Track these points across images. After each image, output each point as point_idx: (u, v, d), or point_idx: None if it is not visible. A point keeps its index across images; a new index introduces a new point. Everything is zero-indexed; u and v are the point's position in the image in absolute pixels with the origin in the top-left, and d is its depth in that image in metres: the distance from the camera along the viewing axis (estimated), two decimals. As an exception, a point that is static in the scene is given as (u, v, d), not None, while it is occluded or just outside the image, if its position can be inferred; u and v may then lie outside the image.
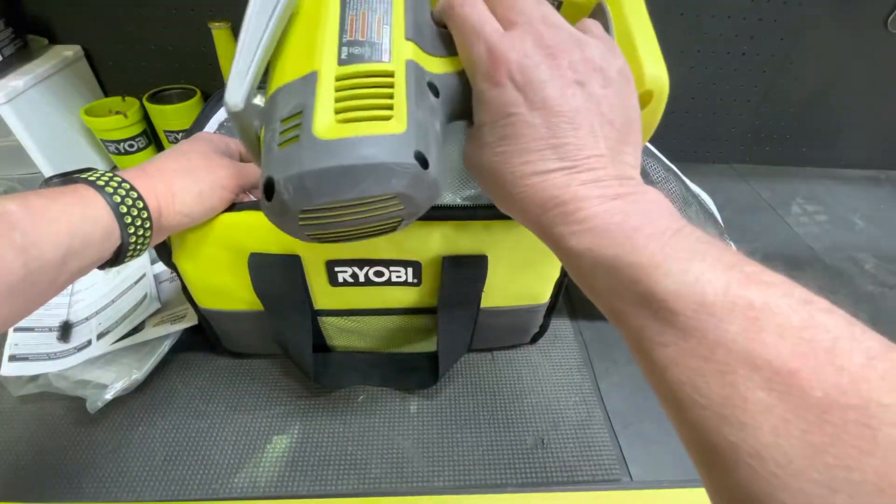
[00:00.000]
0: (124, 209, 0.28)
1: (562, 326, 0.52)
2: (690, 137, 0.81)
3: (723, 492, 0.17)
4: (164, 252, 0.36)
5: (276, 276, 0.36)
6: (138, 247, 0.29)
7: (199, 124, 0.43)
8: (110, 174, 0.28)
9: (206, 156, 0.34)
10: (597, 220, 0.20)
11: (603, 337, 0.52)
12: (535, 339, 0.49)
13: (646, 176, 0.46)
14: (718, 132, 0.80)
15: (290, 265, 0.36)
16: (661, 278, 0.18)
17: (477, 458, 0.41)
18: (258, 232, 0.34)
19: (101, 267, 0.29)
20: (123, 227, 0.28)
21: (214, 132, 0.43)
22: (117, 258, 0.29)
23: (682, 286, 0.17)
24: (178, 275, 0.38)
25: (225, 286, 0.38)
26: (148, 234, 0.29)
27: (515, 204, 0.23)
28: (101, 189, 0.27)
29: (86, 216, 0.26)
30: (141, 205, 0.28)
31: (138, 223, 0.28)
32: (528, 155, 0.21)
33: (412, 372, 0.45)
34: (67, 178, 0.28)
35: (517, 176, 0.22)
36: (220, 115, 0.45)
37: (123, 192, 0.28)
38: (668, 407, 0.19)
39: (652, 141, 0.58)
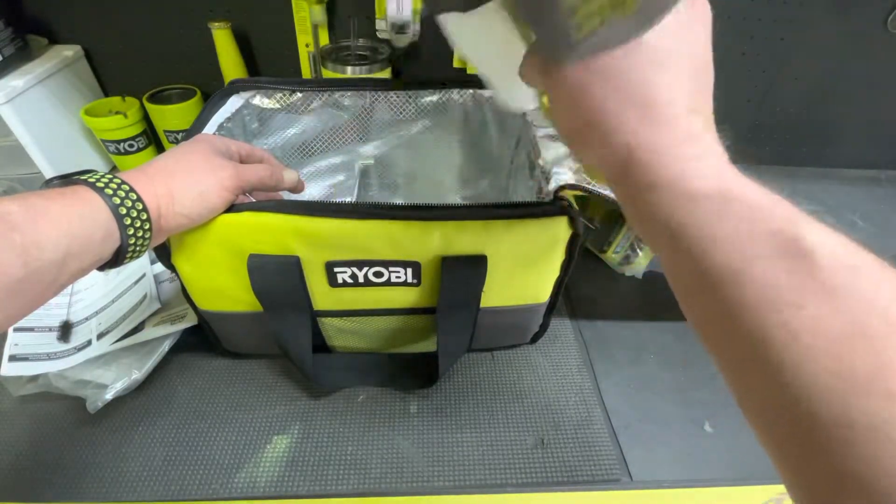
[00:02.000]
0: (124, 210, 0.28)
1: (562, 326, 0.52)
2: (690, 137, 0.80)
3: (823, 474, 0.15)
4: (164, 253, 0.36)
5: (276, 278, 0.36)
6: (138, 248, 0.29)
7: (198, 125, 0.43)
8: (110, 176, 0.29)
9: (206, 157, 0.34)
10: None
11: (603, 337, 0.52)
12: (535, 339, 0.49)
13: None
14: (718, 132, 0.80)
15: (290, 266, 0.36)
16: (810, 230, 0.16)
17: (477, 458, 0.41)
18: (257, 233, 0.34)
19: (101, 268, 0.29)
20: (123, 228, 0.28)
21: (214, 133, 0.43)
22: (117, 259, 0.29)
23: (834, 243, 0.16)
24: (178, 276, 0.38)
25: (224, 287, 0.38)
26: (147, 235, 0.29)
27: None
28: (100, 191, 0.27)
29: (85, 217, 0.26)
30: (140, 206, 0.28)
31: (138, 224, 0.28)
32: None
33: (412, 372, 0.45)
34: (67, 180, 0.28)
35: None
36: (220, 116, 0.45)
37: (123, 194, 0.28)
38: (778, 379, 0.16)
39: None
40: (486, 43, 0.28)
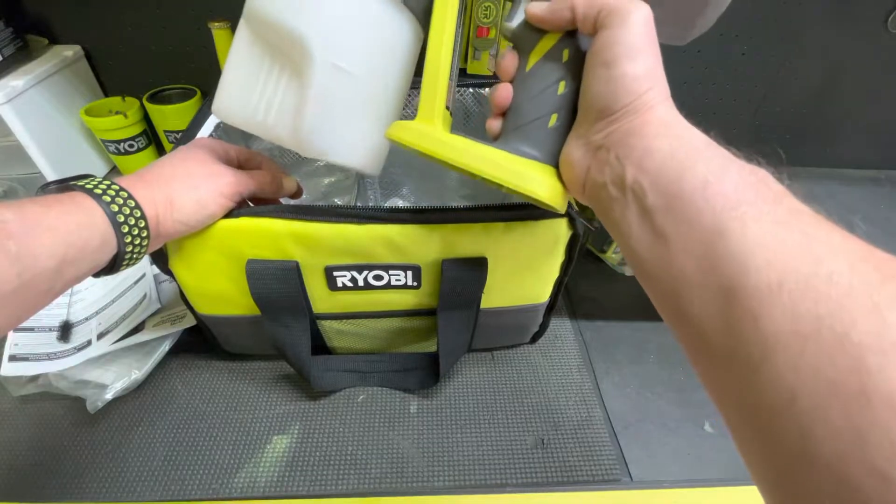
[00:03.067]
0: (122, 218, 0.27)
1: (562, 326, 0.52)
2: (690, 137, 0.80)
3: (756, 338, 0.17)
4: (161, 258, 0.36)
5: (275, 283, 0.36)
6: (135, 255, 0.29)
7: (195, 125, 0.43)
8: (108, 182, 0.28)
9: (205, 163, 0.33)
10: None
11: (603, 337, 0.52)
12: (535, 339, 0.50)
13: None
14: (718, 132, 0.80)
15: (289, 272, 0.36)
16: (761, 168, 0.21)
17: (477, 458, 0.41)
18: (256, 238, 0.34)
19: (97, 275, 0.29)
20: (120, 235, 0.27)
21: (210, 135, 0.43)
22: (113, 266, 0.29)
23: (773, 176, 0.21)
24: (175, 280, 0.38)
25: (223, 292, 0.38)
26: (145, 242, 0.29)
27: None
28: (98, 197, 0.27)
29: (82, 225, 0.26)
30: (139, 213, 0.28)
31: (135, 232, 0.28)
32: None
33: (412, 372, 0.45)
34: (64, 186, 0.28)
35: None
36: (216, 118, 0.45)
37: (121, 201, 0.28)
38: None
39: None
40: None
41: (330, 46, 0.29)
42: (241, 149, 0.38)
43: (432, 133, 0.29)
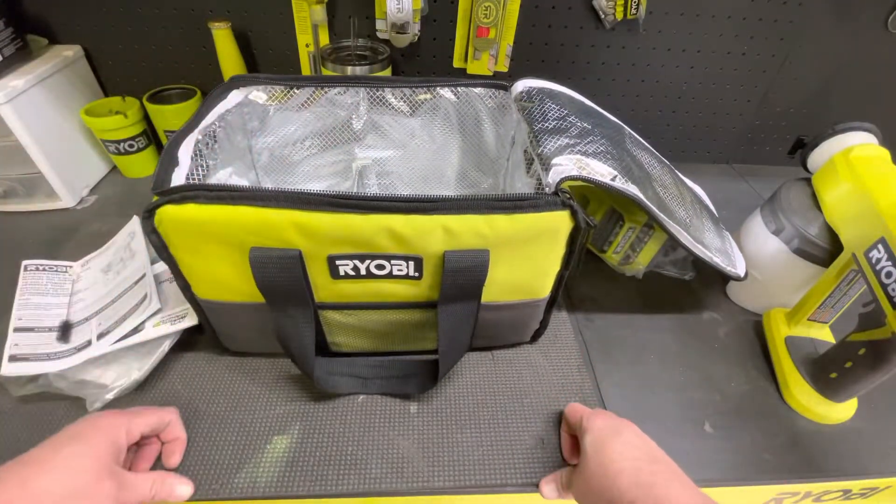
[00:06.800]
0: None
1: (562, 326, 0.52)
2: (691, 137, 0.81)
3: None
4: (162, 248, 0.36)
5: (278, 271, 0.36)
6: None
7: (197, 118, 0.42)
8: None
9: (94, 474, 0.31)
10: None
11: (603, 337, 0.52)
12: (535, 338, 0.49)
13: (641, 168, 0.46)
14: (718, 132, 0.80)
15: (292, 261, 0.36)
16: None
17: (477, 458, 0.41)
18: (259, 228, 0.34)
19: None
20: None
21: (208, 134, 0.42)
22: None
23: None
24: (177, 268, 0.37)
25: (226, 278, 0.38)
26: None
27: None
28: None
29: None
30: None
31: None
32: None
33: (412, 378, 0.45)
34: None
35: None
36: (220, 108, 0.45)
37: None
38: None
39: (652, 140, 0.58)
40: None
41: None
42: (147, 418, 0.37)
43: None
